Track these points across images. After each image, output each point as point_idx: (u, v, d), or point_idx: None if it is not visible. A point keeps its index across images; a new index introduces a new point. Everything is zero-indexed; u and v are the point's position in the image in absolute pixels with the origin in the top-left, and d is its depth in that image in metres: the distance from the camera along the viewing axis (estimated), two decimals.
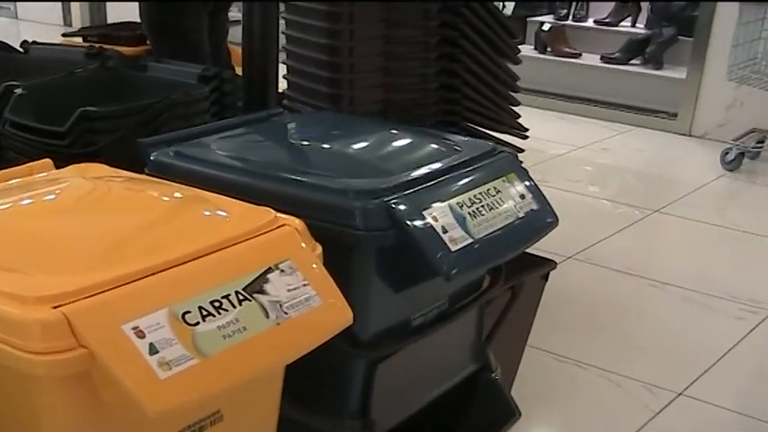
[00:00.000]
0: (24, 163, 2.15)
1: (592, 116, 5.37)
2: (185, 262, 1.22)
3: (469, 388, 1.98)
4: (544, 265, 2.28)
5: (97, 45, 2.72)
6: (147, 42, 3.08)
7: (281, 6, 2.29)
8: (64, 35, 3.26)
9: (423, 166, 1.68)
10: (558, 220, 1.86)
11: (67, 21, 6.90)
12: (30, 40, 2.59)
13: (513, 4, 6.12)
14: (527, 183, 1.82)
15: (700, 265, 3.45)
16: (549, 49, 5.87)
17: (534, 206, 1.80)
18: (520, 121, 2.77)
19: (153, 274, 1.18)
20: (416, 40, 2.42)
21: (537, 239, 1.80)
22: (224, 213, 1.36)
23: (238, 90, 2.39)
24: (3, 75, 2.34)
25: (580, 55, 5.82)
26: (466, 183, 1.69)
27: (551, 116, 5.31)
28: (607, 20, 5.92)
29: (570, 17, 6.07)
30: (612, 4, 5.93)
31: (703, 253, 3.64)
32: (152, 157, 1.62)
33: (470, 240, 1.59)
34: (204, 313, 1.19)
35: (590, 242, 3.50)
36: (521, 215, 1.75)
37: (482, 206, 1.68)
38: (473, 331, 1.92)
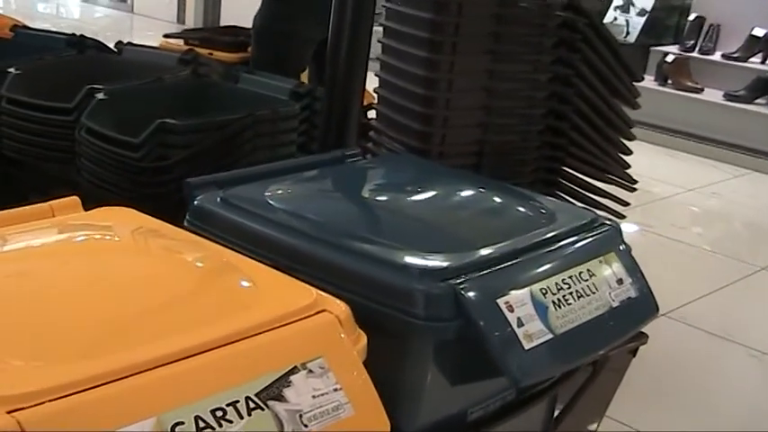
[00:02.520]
0: (98, 177, 1.93)
1: (705, 155, 4.90)
2: (190, 355, 0.94)
3: None
4: (634, 338, 1.93)
5: (196, 49, 2.49)
6: (248, 50, 2.82)
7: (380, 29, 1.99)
8: (165, 36, 3.03)
9: (506, 238, 1.36)
10: (658, 309, 1.52)
11: (181, 18, 6.64)
12: (125, 41, 2.37)
13: (638, 31, 5.67)
14: (628, 264, 1.48)
15: None
16: (669, 81, 5.40)
17: (632, 293, 1.46)
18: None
19: (146, 370, 0.91)
20: (525, 77, 2.08)
21: (631, 334, 1.47)
22: (255, 290, 1.08)
23: None
24: (91, 76, 2.12)
25: (702, 90, 5.33)
26: (555, 263, 1.36)
27: (662, 153, 4.86)
28: (736, 54, 5.39)
29: (697, 49, 5.57)
30: (743, 37, 5.40)
31: None
32: (195, 202, 1.34)
33: (549, 336, 1.27)
34: (201, 425, 0.91)
35: (687, 298, 3.09)
36: (615, 304, 1.42)
37: (570, 293, 1.35)
38: (540, 422, 1.59)
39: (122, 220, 1.19)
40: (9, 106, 2.03)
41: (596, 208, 2.40)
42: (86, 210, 1.23)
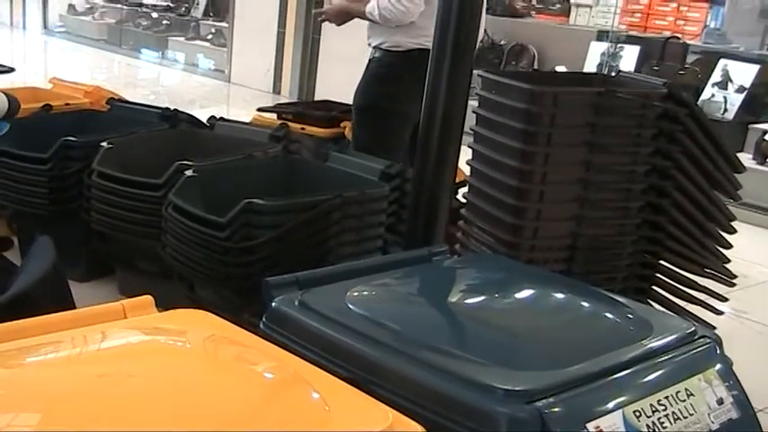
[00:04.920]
0: (183, 254, 1.88)
1: None
2: None
3: None
4: None
5: (289, 123, 2.46)
6: (341, 125, 2.78)
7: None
8: (259, 110, 3.02)
9: (598, 353, 1.25)
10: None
11: (276, 88, 6.57)
12: (217, 116, 2.35)
13: (736, 108, 5.47)
14: (729, 381, 1.35)
15: None
16: None
17: (734, 414, 1.33)
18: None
19: None
20: (622, 169, 1.97)
21: None
22: (326, 409, 0.99)
23: None
24: (183, 151, 2.11)
25: None
26: (650, 382, 1.25)
27: (760, 234, 4.62)
28: None
29: None
30: None
31: None
32: (273, 304, 1.27)
33: None
34: None
35: None
36: (714, 427, 1.29)
37: (666, 415, 1.23)
38: None
39: (194, 325, 1.13)
40: (99, 180, 2.03)
41: (692, 303, 2.27)
42: (160, 308, 1.17)
